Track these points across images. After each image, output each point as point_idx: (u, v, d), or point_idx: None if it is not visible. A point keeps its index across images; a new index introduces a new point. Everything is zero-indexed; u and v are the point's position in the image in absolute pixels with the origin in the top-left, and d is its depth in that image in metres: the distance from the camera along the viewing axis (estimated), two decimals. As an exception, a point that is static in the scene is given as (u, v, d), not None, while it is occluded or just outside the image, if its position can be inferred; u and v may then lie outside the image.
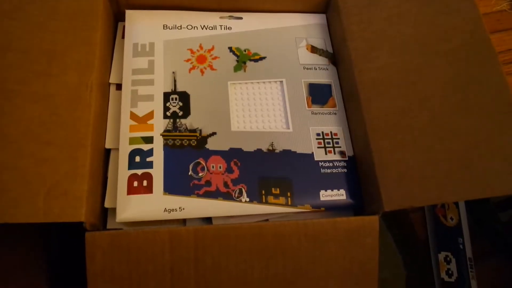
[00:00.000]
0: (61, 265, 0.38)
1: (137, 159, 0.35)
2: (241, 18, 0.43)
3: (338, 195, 0.36)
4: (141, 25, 0.40)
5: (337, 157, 0.38)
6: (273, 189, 0.35)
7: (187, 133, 0.37)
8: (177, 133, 0.36)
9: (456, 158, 0.32)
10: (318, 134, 0.38)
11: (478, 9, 0.36)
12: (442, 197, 0.32)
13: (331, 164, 0.37)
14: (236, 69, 0.40)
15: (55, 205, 0.29)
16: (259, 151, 0.37)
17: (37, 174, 0.29)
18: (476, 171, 0.32)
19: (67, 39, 0.34)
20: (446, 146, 0.33)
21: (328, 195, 0.36)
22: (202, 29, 0.41)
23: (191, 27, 0.41)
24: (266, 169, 0.36)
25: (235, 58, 0.41)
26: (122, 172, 0.34)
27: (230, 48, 0.41)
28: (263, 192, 0.35)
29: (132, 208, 0.33)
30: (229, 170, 0.36)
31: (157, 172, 0.35)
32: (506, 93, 0.33)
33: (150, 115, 0.37)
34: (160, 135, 0.36)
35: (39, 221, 0.28)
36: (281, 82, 0.40)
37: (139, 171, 0.34)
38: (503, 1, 0.60)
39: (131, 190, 0.34)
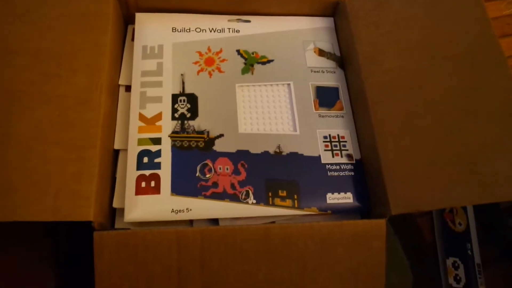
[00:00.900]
0: (69, 263, 0.38)
1: (145, 160, 0.35)
2: (249, 21, 0.43)
3: (345, 198, 0.36)
4: (150, 28, 0.41)
5: (344, 160, 0.38)
6: (280, 191, 0.35)
7: (195, 135, 0.37)
8: (185, 135, 0.37)
9: (463, 162, 0.32)
10: (325, 137, 0.38)
11: (487, 12, 0.35)
12: (450, 201, 0.32)
13: (338, 167, 0.37)
14: (244, 71, 0.40)
15: (64, 204, 0.29)
16: (266, 153, 0.37)
17: (46, 174, 0.30)
18: (483, 175, 0.32)
19: (77, 41, 0.35)
20: (453, 150, 0.33)
21: (335, 198, 0.36)
22: (211, 32, 0.42)
23: (199, 30, 0.42)
24: (273, 171, 0.36)
25: (243, 60, 0.41)
26: (130, 172, 0.35)
27: (238, 51, 0.41)
28: (270, 194, 0.35)
29: (140, 208, 0.33)
30: (236, 172, 0.36)
31: (165, 173, 0.35)
32: (514, 97, 0.32)
33: (159, 116, 0.37)
34: (168, 136, 0.36)
35: (48, 219, 0.28)
36: (289, 84, 0.40)
37: (147, 172, 0.35)
38: (512, 5, 0.60)
39: (139, 191, 0.34)
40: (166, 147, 0.36)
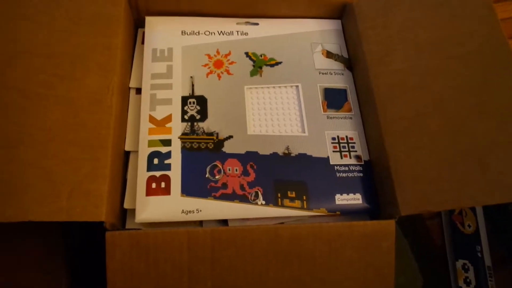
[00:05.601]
0: (80, 262, 0.38)
1: (156, 161, 0.36)
2: (257, 24, 0.43)
3: (354, 199, 0.36)
4: (160, 31, 0.41)
5: (352, 161, 0.38)
6: (289, 192, 0.36)
7: (205, 136, 0.37)
8: (195, 136, 0.37)
9: (473, 161, 0.32)
10: (333, 138, 0.38)
11: (496, 13, 0.35)
12: (459, 202, 0.32)
13: (346, 168, 0.37)
14: (252, 73, 0.41)
15: (77, 204, 0.30)
16: (275, 154, 0.37)
17: (60, 174, 0.30)
18: (492, 176, 0.32)
19: (89, 44, 0.35)
20: (461, 150, 0.33)
21: (344, 199, 0.36)
22: (219, 34, 0.42)
23: (208, 33, 0.42)
24: (282, 173, 0.36)
25: (252, 63, 0.41)
26: (141, 174, 0.35)
27: (246, 53, 0.42)
28: (279, 195, 0.35)
29: (150, 209, 0.34)
30: (245, 173, 0.36)
31: (175, 174, 0.35)
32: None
33: (169, 118, 0.37)
34: (178, 138, 0.37)
35: (62, 219, 0.29)
36: (297, 86, 0.41)
37: (158, 173, 0.35)
38: (521, 7, 0.60)
39: (149, 192, 0.34)
40: (176, 149, 0.36)
